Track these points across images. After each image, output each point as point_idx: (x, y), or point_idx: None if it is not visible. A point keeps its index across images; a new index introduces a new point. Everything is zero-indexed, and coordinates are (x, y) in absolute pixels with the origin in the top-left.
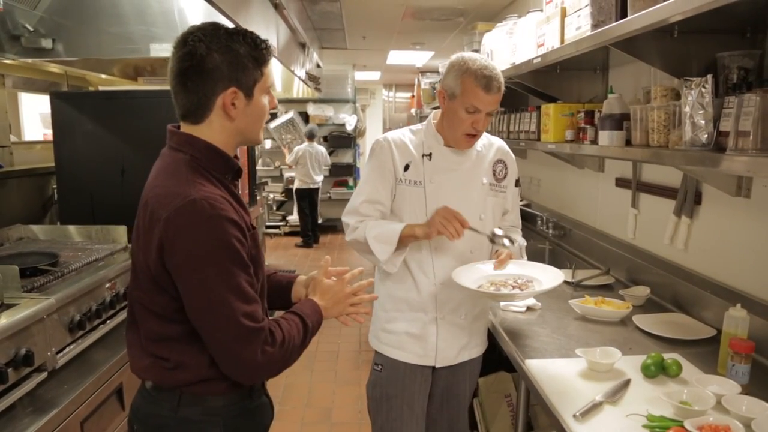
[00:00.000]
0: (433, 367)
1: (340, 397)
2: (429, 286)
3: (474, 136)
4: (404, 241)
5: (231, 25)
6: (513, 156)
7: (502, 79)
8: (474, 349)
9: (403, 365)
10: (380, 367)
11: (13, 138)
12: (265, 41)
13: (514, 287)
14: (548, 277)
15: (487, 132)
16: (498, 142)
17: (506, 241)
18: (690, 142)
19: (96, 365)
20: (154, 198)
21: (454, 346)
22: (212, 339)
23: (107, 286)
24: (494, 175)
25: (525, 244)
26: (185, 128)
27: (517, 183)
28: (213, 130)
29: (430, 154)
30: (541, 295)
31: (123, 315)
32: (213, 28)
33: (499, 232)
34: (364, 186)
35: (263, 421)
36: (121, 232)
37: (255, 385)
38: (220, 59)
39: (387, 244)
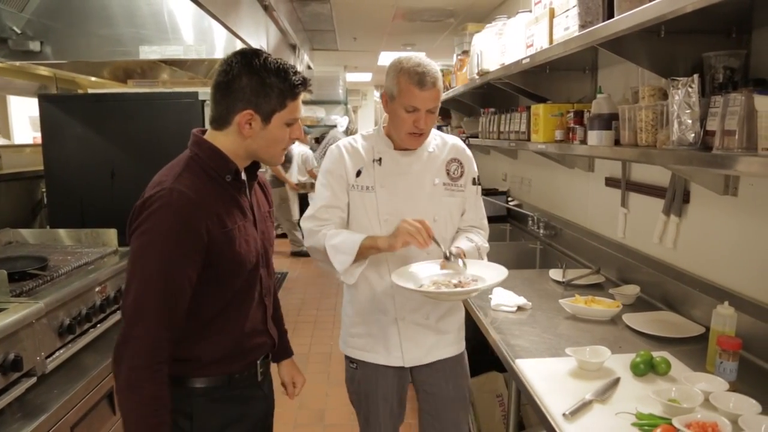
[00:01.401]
0: (411, 370)
1: (332, 398)
2: (385, 287)
3: (420, 135)
4: (365, 252)
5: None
6: (470, 154)
7: (438, 75)
8: (447, 348)
9: (373, 365)
10: (355, 365)
11: (2, 141)
12: (300, 77)
13: (456, 286)
14: (493, 274)
15: (479, 132)
16: (452, 141)
17: (460, 262)
18: (677, 142)
19: (86, 370)
20: (151, 182)
21: (422, 346)
22: (123, 301)
23: (97, 289)
24: (448, 174)
25: (487, 247)
26: (210, 132)
27: (475, 181)
28: (227, 140)
29: (380, 159)
30: (531, 297)
31: (113, 319)
32: (254, 54)
33: (454, 250)
34: (322, 191)
35: (247, 411)
36: (111, 235)
37: (233, 375)
38: (247, 82)
39: (346, 255)
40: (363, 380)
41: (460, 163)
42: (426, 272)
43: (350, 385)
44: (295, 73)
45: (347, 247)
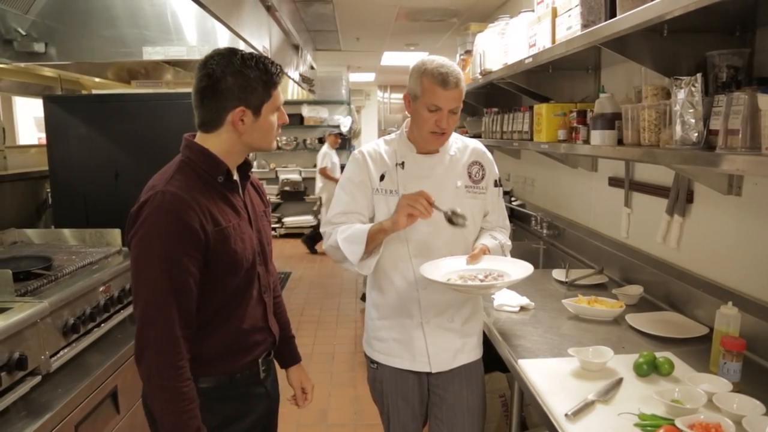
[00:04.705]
0: (428, 374)
1: (335, 398)
2: (410, 291)
3: (441, 135)
4: (375, 238)
5: (249, 50)
6: (490, 157)
7: (460, 76)
8: (471, 352)
9: (395, 368)
10: (376, 365)
11: None
12: (277, 66)
13: (482, 280)
14: (519, 270)
15: (482, 132)
16: (473, 144)
17: (465, 222)
18: (680, 141)
19: (90, 369)
20: (145, 187)
21: (448, 350)
22: (134, 307)
23: (101, 289)
24: (470, 177)
25: (510, 245)
26: (200, 136)
27: (497, 183)
28: (221, 140)
29: (402, 163)
30: (534, 297)
31: (118, 318)
32: (230, 53)
33: (458, 210)
34: (341, 197)
35: (249, 409)
36: (115, 235)
37: (235, 375)
38: (232, 82)
39: (356, 245)
40: (384, 380)
41: (482, 166)
42: (452, 267)
43: (372, 384)
44: (272, 63)
45: (357, 237)
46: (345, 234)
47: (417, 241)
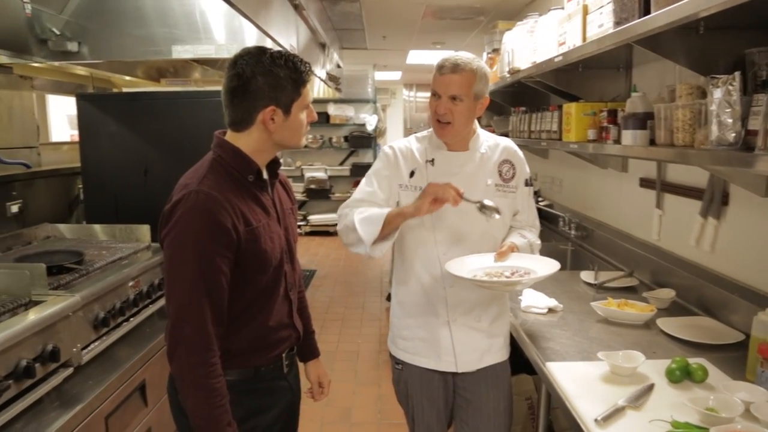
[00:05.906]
0: (454, 375)
1: (359, 397)
2: (437, 288)
3: (446, 125)
4: (392, 222)
5: (277, 49)
6: (521, 155)
7: (460, 62)
8: (498, 353)
9: (420, 368)
10: (400, 366)
11: None
12: (306, 64)
13: (508, 278)
14: (545, 267)
15: (509, 131)
16: (504, 143)
17: (496, 215)
18: (716, 142)
19: (120, 362)
20: (177, 186)
21: (474, 350)
22: (167, 305)
23: (131, 284)
24: (500, 175)
25: (539, 243)
26: (230, 134)
27: (528, 183)
28: (251, 139)
29: (432, 160)
30: (562, 299)
31: (147, 312)
32: (259, 52)
33: (488, 202)
34: (363, 187)
35: (272, 402)
36: (144, 231)
37: (260, 368)
38: (263, 81)
39: (373, 225)
40: (409, 381)
41: (512, 165)
42: (479, 264)
43: (396, 385)
44: (301, 61)
45: (374, 219)
46: (363, 215)
47: (445, 229)
